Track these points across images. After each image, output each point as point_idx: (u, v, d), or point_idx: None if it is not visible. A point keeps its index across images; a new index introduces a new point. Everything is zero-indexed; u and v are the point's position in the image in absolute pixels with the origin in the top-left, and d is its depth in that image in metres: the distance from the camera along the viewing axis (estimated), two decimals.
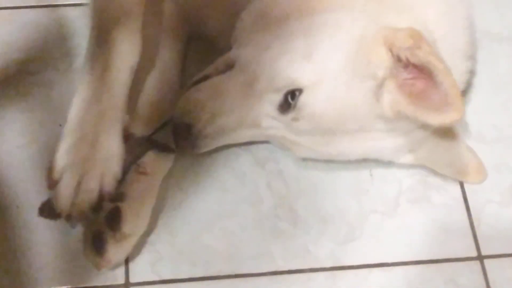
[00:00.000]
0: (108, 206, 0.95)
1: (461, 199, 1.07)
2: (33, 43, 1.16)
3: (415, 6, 1.05)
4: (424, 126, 0.98)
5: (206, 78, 1.03)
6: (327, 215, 1.04)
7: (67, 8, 1.20)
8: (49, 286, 0.95)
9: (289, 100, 0.95)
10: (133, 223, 0.96)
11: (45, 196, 0.98)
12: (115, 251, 0.94)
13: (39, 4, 1.20)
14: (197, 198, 1.05)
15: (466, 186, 1.08)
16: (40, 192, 1.00)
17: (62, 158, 0.97)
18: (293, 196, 1.06)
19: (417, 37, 0.92)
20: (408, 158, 1.04)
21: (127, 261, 0.98)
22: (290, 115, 0.95)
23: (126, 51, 1.02)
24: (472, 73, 1.10)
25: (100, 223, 0.95)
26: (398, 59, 0.93)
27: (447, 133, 1.02)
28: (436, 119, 0.93)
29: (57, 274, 0.96)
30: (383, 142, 1.00)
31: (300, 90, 0.94)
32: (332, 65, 0.98)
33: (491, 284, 0.99)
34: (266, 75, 0.99)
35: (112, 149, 0.98)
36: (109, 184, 0.96)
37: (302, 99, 0.94)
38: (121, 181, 0.99)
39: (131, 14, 1.05)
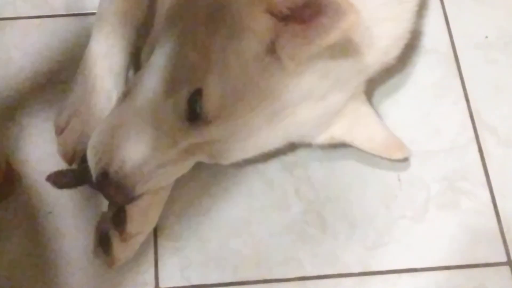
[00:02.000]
0: (114, 207, 0.98)
1: (491, 204, 1.05)
2: (62, 52, 1.17)
3: None
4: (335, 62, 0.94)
5: None
6: (356, 221, 1.04)
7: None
8: None
9: (193, 106, 0.90)
10: (139, 223, 0.98)
11: (77, 202, 1.01)
12: (122, 250, 0.96)
13: (68, 13, 1.21)
14: (225, 204, 1.04)
15: (495, 191, 1.06)
16: (72, 199, 1.02)
17: (68, 107, 1.04)
18: (321, 201, 1.06)
19: None
20: (327, 136, 1.01)
21: (156, 266, 0.99)
22: (202, 119, 0.90)
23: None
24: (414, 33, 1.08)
25: (106, 222, 0.98)
26: (283, 17, 0.89)
27: (362, 108, 1.02)
28: (332, 34, 0.87)
29: (88, 279, 0.97)
30: (302, 116, 0.95)
31: (199, 90, 0.89)
32: (215, 50, 0.94)
33: None
34: (162, 87, 0.95)
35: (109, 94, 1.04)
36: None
37: (205, 98, 0.90)
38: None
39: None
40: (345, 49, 0.95)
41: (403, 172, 1.08)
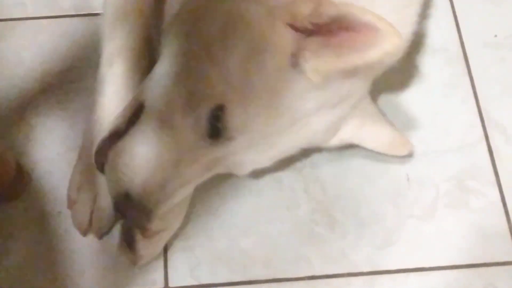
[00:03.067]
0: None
1: (500, 204, 1.05)
2: (72, 52, 1.17)
3: None
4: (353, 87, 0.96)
5: (117, 133, 0.94)
6: (364, 220, 1.04)
7: None
8: None
9: (215, 124, 0.89)
10: (163, 221, 0.97)
11: None
12: (146, 248, 0.96)
13: (78, 13, 1.21)
14: (234, 203, 1.05)
15: (505, 190, 1.07)
16: None
17: (76, 179, 1.02)
18: (330, 201, 1.06)
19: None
20: (336, 139, 1.01)
21: (166, 266, 0.99)
22: (224, 137, 0.89)
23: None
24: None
25: (134, 219, 0.96)
26: (305, 30, 0.88)
27: (368, 109, 1.03)
28: (372, 54, 0.87)
29: (98, 279, 0.98)
30: (315, 125, 0.96)
31: (221, 106, 0.88)
32: (235, 65, 0.92)
33: None
34: (180, 104, 0.92)
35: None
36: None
37: (228, 115, 0.88)
38: None
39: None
40: None
41: (412, 171, 1.08)
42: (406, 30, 1.04)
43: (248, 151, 0.93)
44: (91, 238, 0.99)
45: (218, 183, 1.05)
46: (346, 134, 1.00)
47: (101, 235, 1.00)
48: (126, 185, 0.89)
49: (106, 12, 1.09)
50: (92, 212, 1.00)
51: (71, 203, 1.01)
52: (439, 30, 1.22)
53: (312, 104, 0.92)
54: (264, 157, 0.96)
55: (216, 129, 0.87)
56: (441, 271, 1.00)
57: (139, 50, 1.06)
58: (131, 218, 0.94)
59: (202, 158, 0.90)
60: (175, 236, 1.01)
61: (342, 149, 1.09)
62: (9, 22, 1.20)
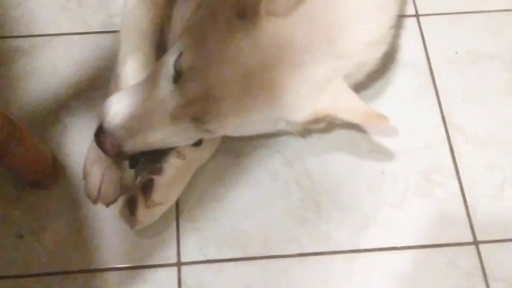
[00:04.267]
0: (145, 176, 1.00)
1: (460, 193, 1.08)
2: (98, 63, 1.20)
3: None
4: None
5: None
6: (346, 207, 1.06)
7: None
8: (114, 264, 1.01)
9: (177, 68, 0.90)
10: (164, 195, 1.00)
11: None
12: (145, 215, 0.99)
13: (104, 30, 1.24)
14: (236, 192, 1.08)
15: (463, 182, 1.09)
16: None
17: (90, 155, 1.05)
18: (317, 190, 1.08)
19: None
20: (310, 111, 0.94)
21: (178, 244, 1.02)
22: (182, 79, 0.90)
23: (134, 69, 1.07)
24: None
25: (136, 189, 1.00)
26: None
27: (342, 87, 0.97)
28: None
29: (122, 255, 1.02)
30: (276, 84, 0.93)
31: (181, 53, 0.90)
32: (195, 21, 0.98)
33: (485, 265, 1.02)
34: (160, 61, 0.97)
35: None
36: (129, 177, 1.04)
37: (183, 58, 0.90)
38: (162, 157, 1.02)
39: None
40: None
41: (386, 166, 1.11)
42: (382, 48, 1.07)
43: (208, 100, 0.90)
44: (116, 222, 1.03)
45: (223, 175, 1.09)
46: (319, 105, 0.93)
47: (107, 204, 1.04)
48: (100, 118, 0.93)
49: (124, 21, 1.13)
50: (101, 184, 1.04)
51: (85, 175, 1.05)
52: (408, 47, 1.24)
53: (266, 58, 0.90)
54: (228, 112, 0.91)
55: (176, 72, 0.91)
56: (410, 250, 1.03)
57: (149, 53, 1.10)
58: (101, 145, 0.94)
59: (169, 103, 0.91)
60: (186, 219, 1.04)
61: (328, 145, 1.13)
62: (46, 37, 1.22)
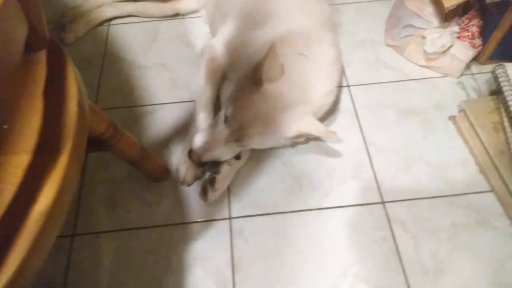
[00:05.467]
0: (211, 176, 1.04)
1: (373, 176, 1.11)
2: (187, 116, 1.22)
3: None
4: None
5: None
6: (315, 186, 1.11)
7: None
8: (196, 219, 1.05)
9: (226, 115, 0.93)
10: (221, 184, 1.04)
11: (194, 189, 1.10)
12: (212, 195, 1.03)
13: (190, 100, 1.25)
14: (257, 179, 1.11)
15: (376, 171, 1.11)
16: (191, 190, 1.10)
17: (180, 161, 1.09)
18: (300, 177, 1.12)
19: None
20: (295, 131, 0.95)
21: (229, 208, 1.06)
22: (228, 120, 0.93)
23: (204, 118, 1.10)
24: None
25: (206, 181, 1.05)
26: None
27: (311, 119, 0.97)
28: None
29: (200, 213, 1.06)
30: (279, 118, 0.93)
31: (228, 107, 0.93)
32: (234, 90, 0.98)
33: (388, 213, 1.03)
34: (221, 113, 0.97)
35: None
36: (199, 171, 1.08)
37: (228, 110, 0.93)
38: (220, 165, 1.05)
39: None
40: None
41: (335, 163, 1.14)
42: (332, 97, 1.09)
43: (243, 129, 0.92)
44: (198, 198, 1.07)
45: (251, 172, 1.13)
46: (300, 127, 0.95)
47: (188, 185, 1.08)
48: (194, 145, 0.96)
49: (198, 93, 1.15)
50: (185, 174, 1.07)
51: (176, 171, 1.08)
52: (344, 101, 1.25)
53: (273, 102, 0.91)
54: (254, 136, 0.93)
55: (226, 117, 0.94)
56: (350, 207, 1.06)
57: (210, 110, 1.12)
58: (193, 160, 0.96)
59: (224, 132, 0.93)
60: (233, 194, 1.08)
61: (305, 150, 1.14)
62: (160, 105, 1.26)
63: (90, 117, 0.73)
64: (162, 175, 1.11)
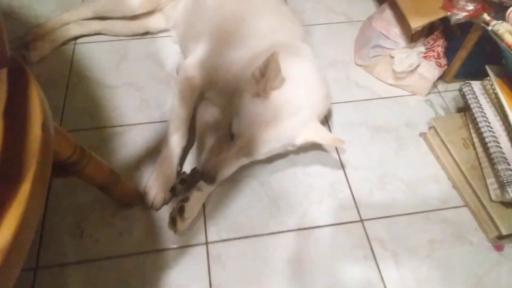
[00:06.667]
0: (179, 204, 1.00)
1: (350, 194, 1.10)
2: (158, 137, 1.17)
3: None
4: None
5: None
6: (293, 205, 1.09)
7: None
8: (171, 245, 0.99)
9: (231, 132, 0.93)
10: (190, 213, 1.00)
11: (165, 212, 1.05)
12: (181, 225, 0.99)
13: (161, 120, 1.21)
14: (234, 200, 1.08)
15: (352, 188, 1.11)
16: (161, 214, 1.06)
17: (148, 184, 1.04)
18: (277, 197, 1.10)
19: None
20: (302, 138, 0.96)
21: (205, 232, 1.01)
22: (234, 136, 0.93)
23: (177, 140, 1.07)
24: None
25: (174, 211, 1.00)
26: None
27: (319, 125, 0.98)
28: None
29: (173, 240, 1.00)
30: (281, 126, 0.92)
31: (231, 123, 0.93)
32: (235, 104, 0.96)
33: (367, 231, 1.03)
34: (223, 131, 0.97)
35: (170, 181, 1.04)
36: (169, 195, 1.05)
37: (232, 126, 0.93)
38: (188, 191, 1.03)
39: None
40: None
41: (313, 182, 1.13)
42: (329, 100, 1.09)
43: (250, 143, 0.92)
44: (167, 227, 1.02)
45: (227, 193, 1.09)
46: (307, 136, 0.96)
47: (157, 209, 1.03)
48: (205, 167, 0.95)
49: (171, 113, 1.11)
50: (154, 198, 1.03)
51: (145, 194, 1.03)
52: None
53: (276, 111, 0.91)
54: (259, 147, 0.93)
55: (231, 134, 0.94)
56: (327, 227, 1.04)
57: (185, 132, 1.09)
58: (205, 179, 0.95)
59: (231, 149, 0.93)
60: (209, 218, 1.04)
61: (282, 173, 1.13)
62: (129, 126, 1.21)
63: (55, 140, 0.69)
64: (133, 200, 1.06)
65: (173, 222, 1.01)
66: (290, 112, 0.93)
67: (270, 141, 0.94)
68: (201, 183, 1.05)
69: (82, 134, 1.20)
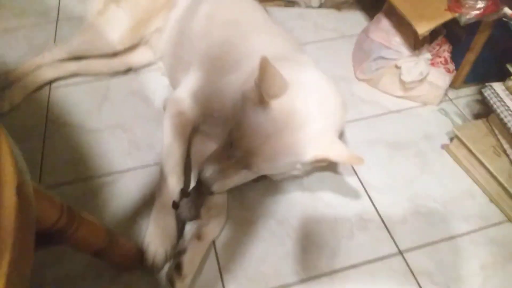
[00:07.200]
0: (176, 260, 0.90)
1: (382, 224, 1.01)
2: (154, 182, 1.04)
3: None
4: None
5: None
6: (320, 244, 0.97)
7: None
8: None
9: (231, 141, 0.88)
10: (189, 269, 0.91)
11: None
12: (180, 285, 0.88)
13: (155, 163, 1.10)
14: (250, 245, 0.96)
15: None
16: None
17: (146, 239, 0.93)
18: (301, 237, 0.98)
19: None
20: (312, 155, 0.84)
21: (223, 286, 0.89)
22: (233, 145, 0.87)
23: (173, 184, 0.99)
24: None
25: (171, 270, 0.90)
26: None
27: (334, 139, 0.88)
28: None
29: None
30: (286, 138, 0.83)
31: (231, 132, 0.89)
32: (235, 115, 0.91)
33: (414, 272, 0.92)
34: (224, 141, 0.92)
35: (171, 232, 0.94)
36: (171, 253, 0.93)
37: (232, 136, 0.88)
38: (183, 238, 0.96)
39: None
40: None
41: (336, 213, 1.02)
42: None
43: (250, 153, 0.85)
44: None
45: (242, 237, 0.98)
46: (318, 152, 0.84)
47: (158, 270, 0.91)
48: (203, 175, 0.89)
49: (163, 153, 1.02)
50: (153, 259, 0.91)
51: (145, 253, 0.92)
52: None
53: (278, 122, 0.83)
54: (261, 160, 0.85)
55: (231, 142, 0.88)
56: (365, 265, 0.94)
57: (180, 173, 1.00)
58: (203, 189, 0.90)
59: (231, 160, 0.87)
60: (225, 270, 0.92)
61: (300, 211, 1.02)
62: (120, 173, 1.10)
63: (36, 204, 0.58)
64: (134, 261, 0.91)
65: (171, 283, 0.89)
66: (297, 123, 0.83)
67: (271, 155, 0.85)
68: (203, 228, 0.95)
69: (66, 188, 1.07)
